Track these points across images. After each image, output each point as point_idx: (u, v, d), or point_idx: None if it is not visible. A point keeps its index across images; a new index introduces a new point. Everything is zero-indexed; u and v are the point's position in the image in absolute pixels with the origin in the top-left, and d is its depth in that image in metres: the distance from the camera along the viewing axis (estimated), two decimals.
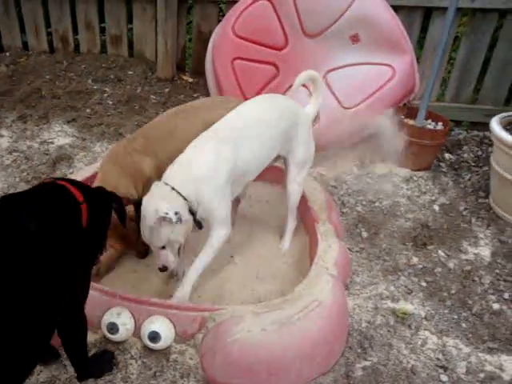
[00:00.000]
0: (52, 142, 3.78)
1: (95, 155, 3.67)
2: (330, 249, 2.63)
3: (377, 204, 3.32)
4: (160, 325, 2.16)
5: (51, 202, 1.71)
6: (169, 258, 2.30)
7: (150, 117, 4.06)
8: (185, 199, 2.24)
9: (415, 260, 2.87)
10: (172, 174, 2.31)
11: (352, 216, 3.21)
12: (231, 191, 2.43)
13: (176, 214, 2.17)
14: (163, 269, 2.33)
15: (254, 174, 2.59)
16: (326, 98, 3.61)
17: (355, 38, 3.69)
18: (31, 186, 3.32)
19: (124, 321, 2.18)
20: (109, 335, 2.19)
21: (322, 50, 3.76)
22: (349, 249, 2.92)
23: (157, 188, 2.28)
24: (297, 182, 2.74)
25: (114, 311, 2.20)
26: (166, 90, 4.42)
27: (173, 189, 2.23)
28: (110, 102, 4.23)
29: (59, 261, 1.61)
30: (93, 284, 2.27)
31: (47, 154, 3.66)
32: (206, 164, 2.32)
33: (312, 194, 3.06)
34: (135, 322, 2.21)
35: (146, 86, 4.45)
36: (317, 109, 2.82)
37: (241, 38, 3.66)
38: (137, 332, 2.20)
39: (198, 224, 2.30)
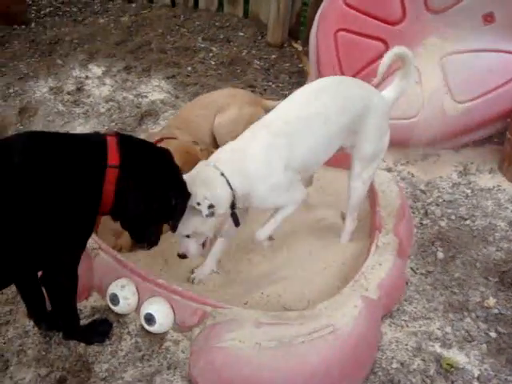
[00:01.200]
0: (146, 96, 3.80)
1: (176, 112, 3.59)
2: (380, 267, 2.23)
3: (468, 222, 2.74)
4: (158, 308, 2.02)
5: (65, 151, 1.67)
6: (190, 247, 2.11)
7: (247, 82, 3.88)
8: (232, 190, 2.03)
9: (492, 302, 2.31)
10: (223, 158, 2.09)
11: (432, 230, 2.69)
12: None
13: (210, 207, 1.95)
14: (182, 256, 2.15)
15: (311, 169, 2.30)
16: (436, 85, 3.08)
17: (489, 18, 3.01)
18: None
19: (126, 295, 2.08)
20: (110, 305, 2.12)
21: (444, 29, 3.15)
22: (413, 269, 2.47)
23: (205, 169, 2.06)
24: (361, 179, 2.35)
25: (119, 283, 2.11)
26: (273, 56, 4.16)
27: (222, 174, 2.01)
28: (213, 63, 4.11)
29: (37, 198, 1.61)
30: (110, 250, 2.22)
31: (138, 107, 3.70)
32: (261, 161, 2.08)
33: (385, 197, 2.62)
34: (139, 298, 2.11)
35: (254, 49, 4.23)
36: (400, 93, 2.34)
37: (350, 6, 3.21)
38: (138, 309, 2.10)
39: (235, 220, 2.11)
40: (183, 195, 1.90)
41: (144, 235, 1.94)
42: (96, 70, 4.09)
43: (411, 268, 2.47)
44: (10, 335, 2.12)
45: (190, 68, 4.05)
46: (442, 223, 2.74)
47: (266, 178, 2.09)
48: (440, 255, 2.55)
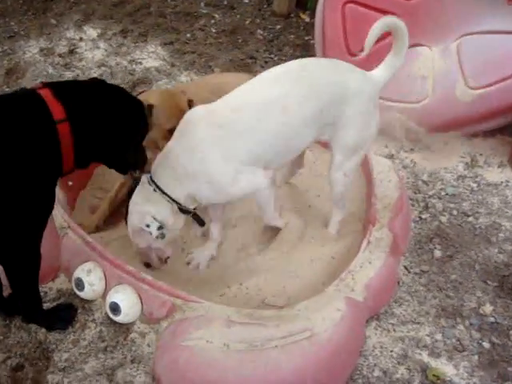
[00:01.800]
0: (140, 63, 3.59)
1: (177, 84, 3.38)
2: (369, 265, 2.06)
3: (470, 219, 2.54)
4: (124, 297, 1.88)
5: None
6: (153, 259, 2.07)
7: (248, 53, 3.64)
8: (172, 201, 1.91)
9: (489, 309, 2.14)
10: (158, 169, 1.94)
11: (431, 226, 2.50)
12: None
13: (159, 228, 1.89)
14: (146, 265, 2.10)
15: (274, 164, 2.04)
16: (449, 68, 2.84)
17: None
18: None
19: (92, 280, 1.94)
20: (75, 290, 1.98)
21: (463, 7, 2.88)
22: (406, 267, 2.29)
23: (141, 187, 1.96)
24: (342, 171, 2.12)
25: (86, 267, 1.96)
26: (278, 26, 3.90)
27: (155, 190, 1.90)
28: (214, 30, 3.87)
29: None
30: (79, 230, 2.07)
31: (132, 74, 3.49)
32: (187, 159, 1.89)
33: (382, 187, 2.42)
34: (106, 285, 1.96)
35: (258, 18, 3.96)
36: (393, 71, 2.07)
37: None
38: (105, 296, 1.95)
39: (199, 221, 2.01)
40: (142, 113, 1.73)
41: (126, 163, 1.78)
42: (91, 32, 3.88)
43: (404, 266, 2.29)
44: None
45: (189, 35, 3.81)
46: (443, 219, 2.54)
47: (203, 176, 1.90)
48: (437, 254, 2.37)
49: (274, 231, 2.37)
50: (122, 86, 3.29)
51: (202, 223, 2.03)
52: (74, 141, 1.51)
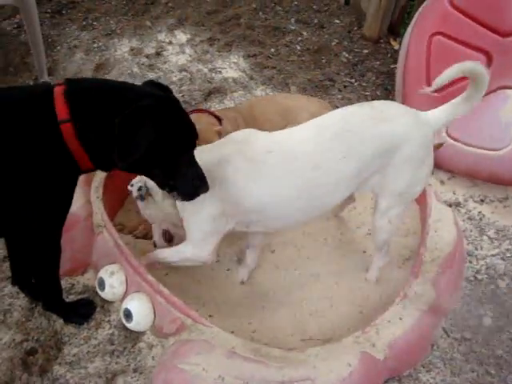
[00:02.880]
0: (220, 72, 3.62)
1: (252, 98, 3.37)
2: (398, 321, 1.88)
3: None
4: (138, 306, 1.88)
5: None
6: (155, 234, 2.09)
7: (328, 75, 3.54)
8: None
9: None
10: None
11: (486, 289, 2.24)
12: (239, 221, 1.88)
13: (139, 189, 1.91)
14: (154, 244, 2.12)
15: (287, 222, 1.91)
16: None
17: None
18: None
19: (113, 282, 1.96)
20: (97, 289, 2.01)
21: None
22: (445, 330, 2.08)
23: None
24: (387, 218, 1.95)
25: (110, 268, 1.99)
26: (365, 51, 3.74)
27: None
28: (298, 47, 3.80)
29: None
30: (113, 231, 2.10)
31: (209, 82, 3.53)
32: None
33: (437, 237, 2.22)
34: (126, 289, 1.97)
35: (346, 40, 3.84)
36: (456, 116, 1.85)
37: (455, 7, 2.75)
38: (123, 300, 1.97)
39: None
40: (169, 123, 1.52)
41: (166, 179, 1.62)
42: (181, 36, 3.99)
43: (444, 329, 2.07)
44: (5, 291, 2.11)
45: (273, 49, 3.79)
46: (502, 283, 2.27)
47: None
48: (486, 321, 2.12)
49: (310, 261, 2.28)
50: (197, 92, 3.46)
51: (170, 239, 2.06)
52: (81, 141, 1.47)
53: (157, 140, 1.46)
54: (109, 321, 1.98)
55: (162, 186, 1.66)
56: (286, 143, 1.79)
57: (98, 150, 1.50)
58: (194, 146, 1.63)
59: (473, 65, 1.75)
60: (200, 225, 1.85)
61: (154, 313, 1.88)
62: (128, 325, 1.90)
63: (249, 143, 1.80)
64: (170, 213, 1.94)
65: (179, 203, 1.83)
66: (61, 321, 1.98)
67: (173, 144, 1.54)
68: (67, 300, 2.03)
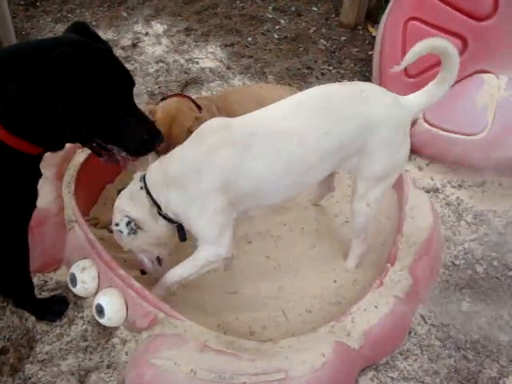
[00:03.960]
0: (197, 62, 3.57)
1: (226, 88, 3.33)
2: (374, 310, 1.86)
3: None
4: (110, 301, 1.84)
5: None
6: (144, 262, 1.97)
7: (306, 63, 3.51)
8: (154, 203, 1.81)
9: (511, 383, 1.87)
10: (152, 168, 1.85)
11: (464, 274, 2.24)
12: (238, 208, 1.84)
13: (128, 223, 1.78)
14: (142, 272, 2.02)
15: (278, 198, 1.89)
16: (510, 101, 2.54)
17: None
18: (153, 99, 3.27)
19: (85, 278, 1.93)
20: (69, 285, 1.98)
21: None
22: (423, 317, 2.07)
23: (132, 183, 1.89)
24: (365, 201, 1.94)
25: (81, 264, 1.95)
26: (342, 38, 3.71)
27: (141, 188, 1.81)
28: (276, 36, 3.76)
29: None
30: (84, 226, 2.06)
31: (186, 73, 3.48)
32: (185, 163, 1.76)
33: (413, 224, 2.21)
34: (98, 285, 1.94)
35: (323, 28, 3.80)
36: (433, 99, 1.85)
37: None
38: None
39: (181, 234, 1.88)
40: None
41: (109, 135, 1.50)
42: (157, 27, 3.93)
43: (421, 315, 2.06)
44: None
45: (250, 38, 3.74)
46: (479, 268, 2.26)
47: (188, 186, 1.75)
48: (464, 306, 2.11)
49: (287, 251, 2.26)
50: (174, 83, 3.41)
51: (183, 238, 1.90)
52: (5, 126, 1.36)
53: (84, 88, 1.35)
54: (82, 317, 1.95)
55: (110, 142, 1.53)
56: (267, 122, 1.77)
57: (28, 128, 1.38)
58: (130, 95, 1.52)
59: (438, 41, 1.75)
60: (211, 222, 1.79)
61: (127, 308, 1.84)
62: (101, 320, 1.87)
63: (230, 128, 1.77)
64: (164, 233, 1.87)
65: (182, 211, 1.79)
66: (33, 318, 1.95)
67: (102, 92, 1.40)
68: (40, 297, 1.99)
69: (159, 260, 1.98)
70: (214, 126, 1.83)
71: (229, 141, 1.74)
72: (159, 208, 1.81)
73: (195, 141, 1.81)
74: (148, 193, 1.80)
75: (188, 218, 1.80)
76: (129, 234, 1.79)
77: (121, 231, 1.79)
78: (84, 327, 1.92)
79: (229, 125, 1.79)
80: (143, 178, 1.83)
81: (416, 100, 1.87)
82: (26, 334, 1.91)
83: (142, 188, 1.81)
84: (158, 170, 1.81)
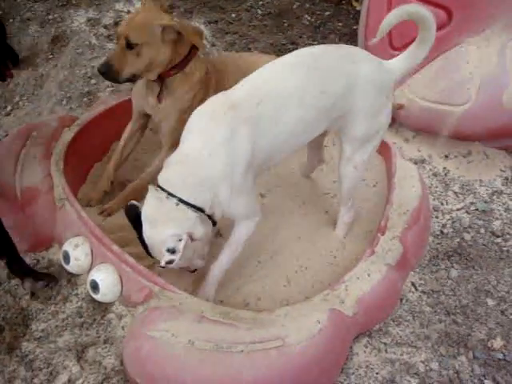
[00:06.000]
0: None
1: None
2: (367, 278, 1.90)
3: (498, 240, 2.30)
4: (104, 277, 1.84)
5: None
6: (195, 264, 1.89)
7: (291, 39, 3.49)
8: (199, 210, 1.70)
9: (499, 343, 1.92)
10: (175, 177, 1.70)
11: (452, 242, 2.29)
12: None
13: (181, 240, 1.66)
14: (193, 271, 1.97)
15: (282, 156, 1.90)
16: (498, 70, 2.59)
17: None
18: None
19: (78, 255, 1.92)
20: (62, 262, 1.97)
21: None
22: (414, 284, 2.12)
23: (157, 203, 1.69)
24: (352, 163, 1.97)
25: (74, 241, 1.94)
26: (326, 13, 3.70)
27: (179, 202, 1.67)
28: (260, 12, 3.73)
29: None
30: (75, 203, 2.05)
31: None
32: (219, 160, 1.67)
33: (402, 194, 2.23)
34: (92, 261, 1.93)
35: (307, 3, 3.78)
36: (413, 63, 1.90)
37: None
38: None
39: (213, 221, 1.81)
40: None
41: None
42: (139, 4, 3.83)
43: (412, 283, 2.11)
44: None
45: (234, 15, 3.71)
46: (467, 236, 2.31)
47: (228, 179, 1.69)
48: (453, 273, 2.16)
49: (279, 232, 2.27)
50: None
51: (214, 222, 1.82)
52: None
53: None
54: (76, 294, 1.95)
55: None
56: (267, 88, 1.75)
57: None
58: None
59: (413, 7, 1.80)
60: (249, 199, 1.80)
61: (121, 283, 1.85)
62: (95, 296, 1.87)
63: (235, 106, 1.69)
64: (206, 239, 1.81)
65: (228, 197, 1.72)
66: (26, 297, 1.94)
67: None
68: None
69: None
70: (221, 107, 1.72)
71: (240, 119, 1.69)
72: (203, 211, 1.71)
73: (208, 132, 1.70)
74: (188, 204, 1.67)
75: (230, 208, 1.77)
76: (167, 263, 1.68)
77: (175, 251, 1.67)
78: (79, 304, 1.92)
79: (233, 103, 1.71)
80: (170, 195, 1.67)
81: (398, 64, 1.92)
82: (20, 313, 1.91)
83: (177, 204, 1.66)
84: (184, 174, 1.69)
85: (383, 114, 1.90)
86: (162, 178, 1.72)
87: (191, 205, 1.68)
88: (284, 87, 1.75)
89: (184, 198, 1.67)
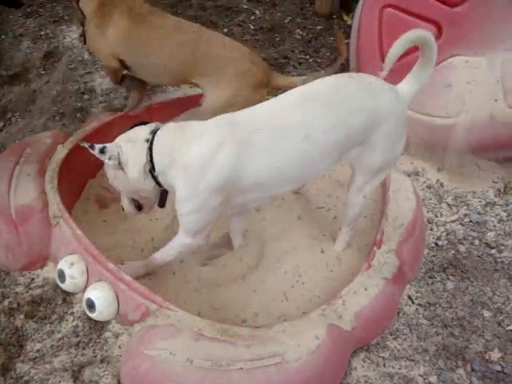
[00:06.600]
0: None
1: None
2: (364, 292, 1.90)
3: (493, 252, 2.31)
4: (100, 295, 1.83)
5: None
6: (124, 201, 1.99)
7: (283, 53, 3.52)
8: (150, 161, 1.78)
9: (496, 355, 1.92)
10: (166, 131, 1.81)
11: (447, 254, 2.30)
12: (238, 202, 1.85)
13: (107, 154, 1.76)
14: (123, 208, 2.04)
15: (279, 191, 1.88)
16: (489, 83, 2.63)
17: None
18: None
19: (73, 273, 1.91)
20: (57, 281, 1.95)
21: None
22: (410, 297, 2.12)
23: (141, 128, 1.84)
24: (362, 193, 1.98)
25: (69, 259, 1.93)
26: (318, 27, 3.74)
27: (147, 141, 1.78)
28: (252, 27, 3.76)
29: None
30: (70, 221, 2.04)
31: None
32: (195, 156, 1.72)
33: (397, 207, 2.25)
34: (87, 279, 1.92)
35: (299, 17, 3.82)
36: (419, 85, 1.88)
37: None
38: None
39: (162, 200, 1.91)
40: None
41: None
42: None
43: (409, 296, 2.11)
44: None
45: (226, 30, 3.73)
46: (462, 248, 2.33)
47: (191, 181, 1.73)
48: (449, 286, 2.17)
49: (275, 247, 2.26)
50: None
51: (162, 204, 1.93)
52: None
53: None
54: (72, 313, 1.93)
55: None
56: (272, 117, 1.75)
57: None
58: None
59: (414, 33, 1.77)
60: (201, 218, 1.81)
61: (118, 301, 1.83)
62: (92, 315, 1.85)
63: (235, 125, 1.73)
64: (148, 191, 1.87)
65: (177, 204, 1.79)
66: (21, 316, 1.92)
67: None
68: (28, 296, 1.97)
69: (139, 206, 1.99)
70: (220, 122, 1.78)
71: (233, 137, 1.71)
72: (153, 169, 1.78)
73: (205, 133, 1.76)
74: (150, 149, 1.77)
75: (180, 204, 1.79)
76: (107, 161, 1.78)
77: (107, 157, 1.78)
78: (75, 323, 1.90)
79: (234, 121, 1.76)
80: (154, 133, 1.79)
81: (407, 89, 1.88)
82: (14, 333, 1.88)
83: (147, 141, 1.78)
84: (170, 138, 1.77)
85: (399, 143, 1.88)
86: (166, 125, 1.84)
87: (151, 155, 1.77)
88: (290, 119, 1.73)
89: (153, 149, 1.77)
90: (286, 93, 1.82)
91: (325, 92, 1.78)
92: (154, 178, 1.80)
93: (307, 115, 1.73)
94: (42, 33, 3.74)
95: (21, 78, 3.33)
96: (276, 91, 2.20)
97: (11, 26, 3.75)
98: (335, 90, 1.78)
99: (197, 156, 1.71)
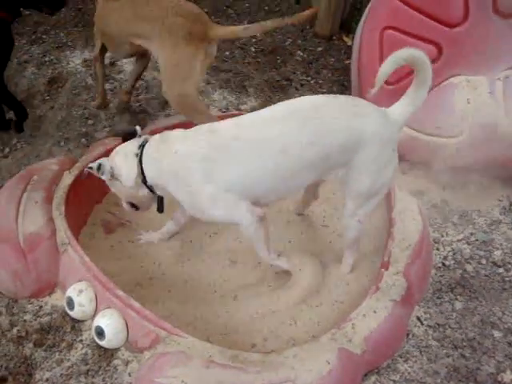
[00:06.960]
0: None
1: (210, 102, 3.35)
2: (373, 315, 1.89)
3: (500, 270, 2.31)
4: (109, 322, 1.82)
5: None
6: (124, 206, 2.19)
7: (285, 75, 3.56)
8: (141, 173, 1.96)
9: (509, 377, 1.92)
10: (152, 143, 1.97)
11: (454, 274, 2.30)
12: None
13: (101, 170, 1.99)
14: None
15: (265, 200, 1.93)
16: (491, 102, 2.65)
17: None
18: (135, 118, 3.27)
19: (82, 301, 1.90)
20: (66, 308, 1.95)
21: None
22: (419, 319, 2.11)
23: (131, 143, 2.02)
24: (357, 218, 1.98)
25: (78, 287, 1.93)
26: (319, 49, 3.79)
27: (136, 156, 1.96)
28: (253, 49, 3.81)
29: None
30: (78, 249, 2.04)
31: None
32: (180, 165, 1.88)
33: (403, 228, 2.25)
34: (96, 307, 1.92)
35: (299, 39, 3.87)
36: (415, 106, 1.86)
37: (403, 1, 2.79)
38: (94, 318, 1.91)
39: (159, 205, 2.07)
40: None
41: None
42: None
43: (418, 317, 2.11)
44: None
45: (228, 52, 3.78)
46: (469, 267, 2.33)
47: (181, 183, 1.88)
48: (457, 306, 2.17)
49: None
50: (154, 101, 3.42)
51: (160, 210, 2.08)
52: None
53: None
54: (81, 340, 1.92)
55: None
56: (252, 128, 1.83)
57: None
58: None
59: (406, 52, 1.75)
60: (222, 203, 1.86)
61: (127, 328, 1.83)
62: (101, 343, 1.85)
63: (215, 132, 1.86)
64: (143, 199, 2.08)
65: (192, 209, 1.95)
66: (30, 345, 1.91)
67: None
68: (36, 321, 1.97)
69: (135, 206, 2.15)
70: (204, 128, 1.91)
71: (211, 144, 1.83)
72: (145, 178, 1.96)
73: (188, 138, 1.90)
74: (141, 162, 1.94)
75: (195, 208, 1.93)
76: (101, 175, 2.01)
77: (100, 172, 2.00)
78: (84, 351, 1.89)
79: (214, 129, 1.88)
80: (142, 146, 1.96)
81: (400, 111, 1.87)
82: (23, 362, 1.88)
83: (136, 156, 1.95)
84: (156, 150, 1.93)
85: (389, 167, 1.87)
86: (153, 137, 2.00)
87: (141, 168, 1.95)
88: (269, 131, 1.80)
89: (142, 162, 1.94)
90: (270, 107, 1.89)
91: (305, 109, 1.82)
92: (148, 187, 1.98)
93: (285, 129, 1.79)
94: (46, 59, 3.78)
95: (26, 104, 3.36)
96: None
97: (15, 53, 3.78)
98: (317, 107, 1.82)
99: (182, 161, 1.85)
